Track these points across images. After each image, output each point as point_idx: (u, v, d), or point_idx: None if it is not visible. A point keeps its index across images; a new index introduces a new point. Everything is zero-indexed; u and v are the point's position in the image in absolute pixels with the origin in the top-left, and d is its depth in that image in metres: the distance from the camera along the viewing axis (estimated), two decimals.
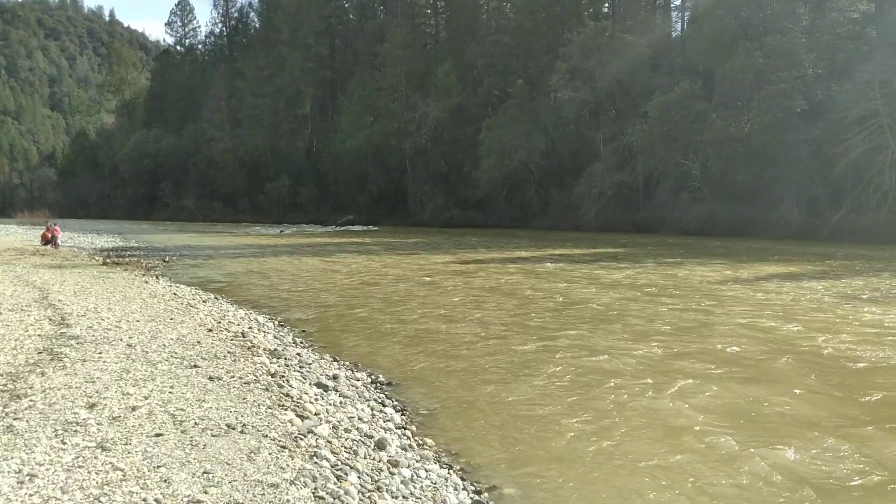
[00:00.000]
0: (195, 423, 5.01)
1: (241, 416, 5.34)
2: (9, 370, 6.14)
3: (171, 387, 5.94)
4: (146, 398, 5.52)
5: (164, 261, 23.18)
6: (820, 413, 6.56)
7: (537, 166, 53.31)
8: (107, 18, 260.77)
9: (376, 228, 55.59)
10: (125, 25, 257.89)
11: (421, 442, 5.89)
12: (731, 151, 38.49)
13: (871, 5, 36.27)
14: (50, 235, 27.11)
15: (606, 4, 61.46)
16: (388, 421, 6.32)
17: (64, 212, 74.22)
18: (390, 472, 5.02)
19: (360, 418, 6.17)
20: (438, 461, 5.50)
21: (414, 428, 6.28)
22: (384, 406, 6.80)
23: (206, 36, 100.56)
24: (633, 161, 46.23)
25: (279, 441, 4.92)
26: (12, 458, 4.04)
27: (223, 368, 6.88)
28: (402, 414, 6.67)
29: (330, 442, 5.24)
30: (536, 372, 8.12)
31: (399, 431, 6.08)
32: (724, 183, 39.04)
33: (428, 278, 18.00)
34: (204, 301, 12.75)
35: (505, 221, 53.37)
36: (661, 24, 56.45)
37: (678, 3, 59.35)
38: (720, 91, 40.64)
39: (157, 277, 16.85)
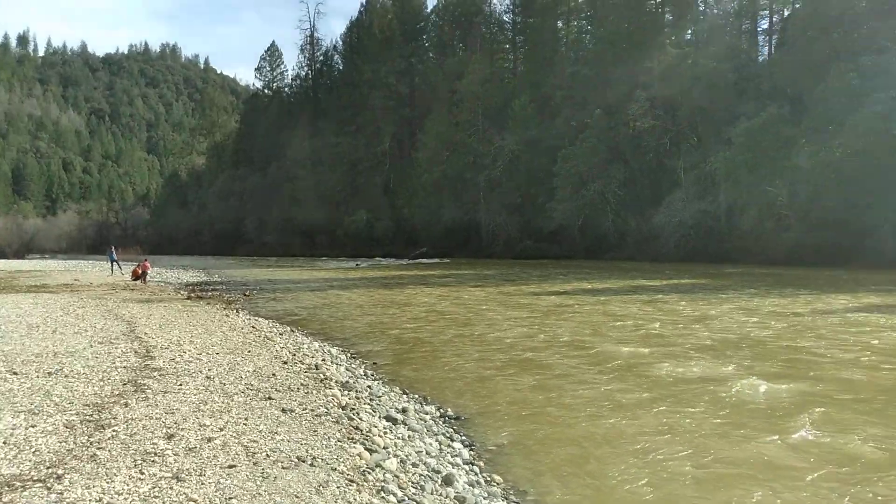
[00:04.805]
0: (267, 454, 5.09)
1: (312, 448, 5.40)
2: (95, 401, 6.45)
3: (246, 419, 6.08)
4: (221, 430, 5.67)
5: (245, 295, 23.98)
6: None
7: (615, 196, 52.47)
8: (202, 66, 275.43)
9: (448, 261, 55.90)
10: (218, 72, 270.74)
11: (489, 478, 5.77)
12: (821, 178, 36.72)
13: None
14: (140, 271, 28.60)
15: (689, 31, 60.46)
16: (457, 456, 6.24)
17: (155, 249, 78.26)
18: None
19: (427, 452, 6.12)
20: (507, 499, 5.37)
21: (482, 464, 6.17)
22: (452, 440, 6.73)
23: (292, 79, 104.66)
24: (715, 189, 44.80)
25: (347, 475, 4.93)
26: (94, 486, 4.21)
27: (296, 400, 7.00)
28: (471, 449, 6.58)
29: (397, 476, 5.21)
30: (607, 406, 7.88)
31: (467, 467, 5.99)
32: (812, 210, 37.19)
33: (500, 311, 17.87)
34: (280, 334, 13.08)
35: (580, 253, 52.58)
36: (747, 49, 54.87)
37: (765, 26, 57.70)
38: (810, 115, 39.00)
39: (237, 311, 17.46)
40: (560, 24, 71.90)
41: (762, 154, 39.79)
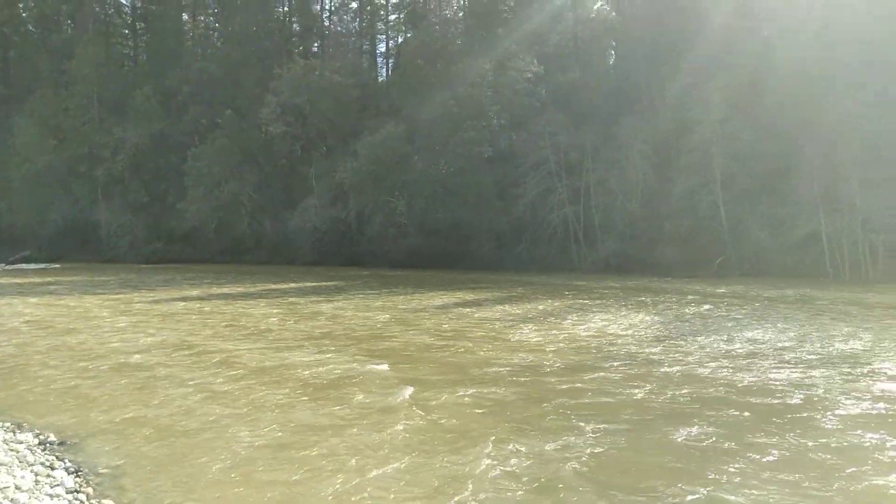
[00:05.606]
0: None
1: None
2: None
3: None
4: None
5: None
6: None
7: (250, 199, 52.03)
8: None
9: (59, 266, 49.06)
10: None
11: None
12: (432, 191, 41.92)
13: (542, 68, 42.53)
14: None
15: (316, 44, 63.08)
16: (58, 485, 5.63)
17: None
18: None
19: (18, 487, 5.39)
20: None
21: (90, 490, 5.68)
22: (53, 469, 6.05)
23: None
24: (345, 197, 47.58)
25: None
26: None
27: None
28: (77, 475, 5.99)
29: None
30: (204, 401, 8.17)
31: (70, 496, 5.45)
32: (426, 219, 42.18)
33: (112, 319, 16.41)
34: None
35: (216, 256, 50.94)
36: (367, 69, 59.38)
37: (383, 49, 63.36)
38: (421, 135, 44.08)
39: None
40: (186, 16, 68.64)
41: (383, 167, 43.65)
